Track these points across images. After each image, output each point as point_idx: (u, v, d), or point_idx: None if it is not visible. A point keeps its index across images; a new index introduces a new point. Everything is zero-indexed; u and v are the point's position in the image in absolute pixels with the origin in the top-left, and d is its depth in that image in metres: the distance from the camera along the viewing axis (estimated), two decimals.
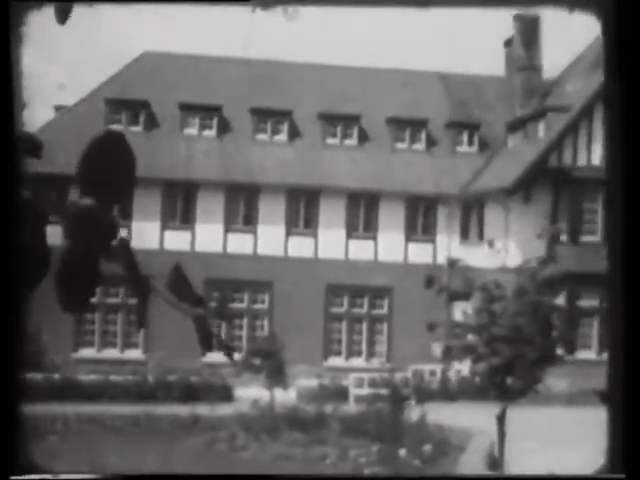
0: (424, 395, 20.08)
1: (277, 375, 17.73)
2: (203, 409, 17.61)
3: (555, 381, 19.88)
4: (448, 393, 21.12)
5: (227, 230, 27.32)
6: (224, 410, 17.75)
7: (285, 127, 28.59)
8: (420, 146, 29.10)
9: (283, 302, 26.93)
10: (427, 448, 14.38)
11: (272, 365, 17.79)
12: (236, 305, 27.25)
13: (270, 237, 27.37)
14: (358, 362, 26.90)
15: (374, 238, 27.83)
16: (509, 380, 11.42)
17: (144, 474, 10.61)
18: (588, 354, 23.43)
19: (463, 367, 14.39)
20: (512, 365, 11.22)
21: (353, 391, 21.41)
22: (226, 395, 21.35)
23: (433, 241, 27.83)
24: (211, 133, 28.29)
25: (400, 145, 29.09)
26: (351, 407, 19.16)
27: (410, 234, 27.90)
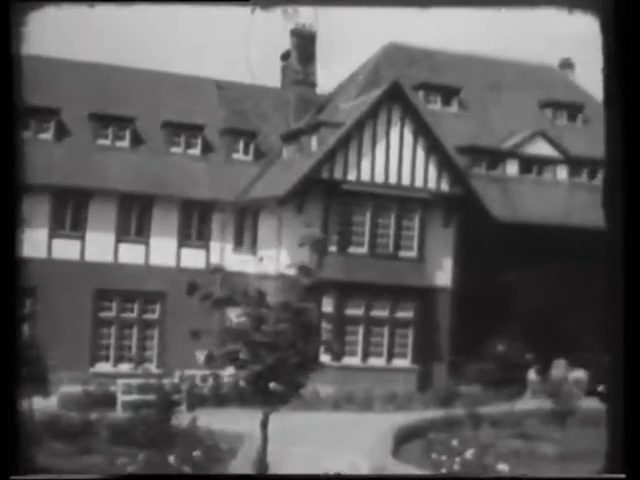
0: (195, 401, 19.93)
1: (38, 382, 16.79)
2: None
3: (322, 387, 20.52)
4: (220, 398, 21.08)
5: None
6: None
7: (52, 126, 27.32)
8: (195, 152, 28.98)
9: (47, 306, 25.61)
10: (197, 454, 14.30)
11: (32, 372, 16.80)
12: None
13: (34, 239, 25.93)
14: (127, 368, 26.22)
15: (146, 242, 27.30)
16: (272, 385, 11.57)
17: (144, 474, 9.96)
18: (354, 360, 24.36)
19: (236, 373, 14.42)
20: (275, 371, 11.38)
21: (121, 397, 20.77)
22: None
23: (207, 247, 27.80)
24: None
25: (175, 149, 28.81)
26: (119, 414, 18.61)
27: (184, 239, 27.70)
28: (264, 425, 11.99)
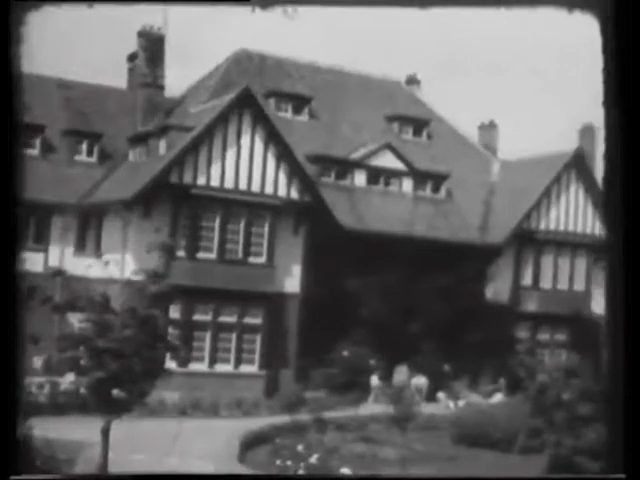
0: (30, 409, 18.89)
1: None
2: None
3: (168, 393, 20.02)
4: (58, 406, 20.14)
5: None
6: None
7: None
8: (35, 152, 27.67)
9: None
10: None
11: None
12: None
13: None
14: None
15: None
16: (115, 393, 11.22)
17: (144, 474, 9.05)
18: (201, 366, 23.97)
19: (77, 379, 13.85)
20: (118, 378, 11.05)
21: None
22: None
23: (45, 250, 26.55)
24: None
25: None
26: None
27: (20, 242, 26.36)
28: (105, 433, 11.58)
